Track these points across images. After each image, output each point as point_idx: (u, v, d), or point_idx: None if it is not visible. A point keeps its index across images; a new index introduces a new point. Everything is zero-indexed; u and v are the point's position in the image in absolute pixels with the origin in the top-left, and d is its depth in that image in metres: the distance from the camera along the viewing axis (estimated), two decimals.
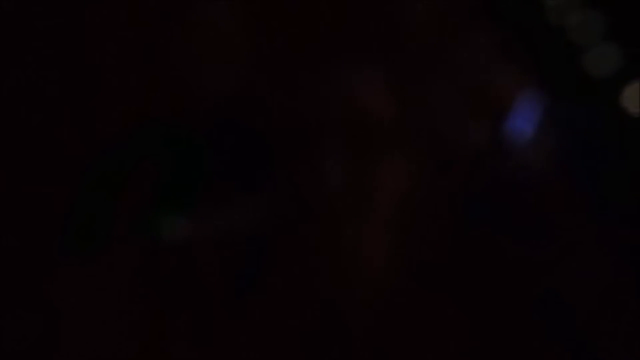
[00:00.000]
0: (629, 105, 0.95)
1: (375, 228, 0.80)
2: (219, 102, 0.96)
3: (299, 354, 0.81)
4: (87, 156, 0.91)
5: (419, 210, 0.83)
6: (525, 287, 0.83)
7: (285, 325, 0.80)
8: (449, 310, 0.80)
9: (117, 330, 0.83)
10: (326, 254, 0.81)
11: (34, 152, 0.93)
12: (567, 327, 0.85)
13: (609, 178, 1.09)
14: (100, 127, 0.93)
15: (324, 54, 0.84)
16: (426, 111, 0.85)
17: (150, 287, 0.85)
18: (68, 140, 0.92)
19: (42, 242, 0.90)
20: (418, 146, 0.83)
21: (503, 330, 0.80)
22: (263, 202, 0.86)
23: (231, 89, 0.98)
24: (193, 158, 0.92)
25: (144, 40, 0.96)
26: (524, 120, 1.13)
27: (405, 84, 0.83)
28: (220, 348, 0.81)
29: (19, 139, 0.93)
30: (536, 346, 0.81)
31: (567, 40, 1.22)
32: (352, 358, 0.80)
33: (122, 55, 0.95)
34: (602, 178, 1.10)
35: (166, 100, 0.95)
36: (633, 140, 0.98)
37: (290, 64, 0.88)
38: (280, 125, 0.82)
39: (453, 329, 0.80)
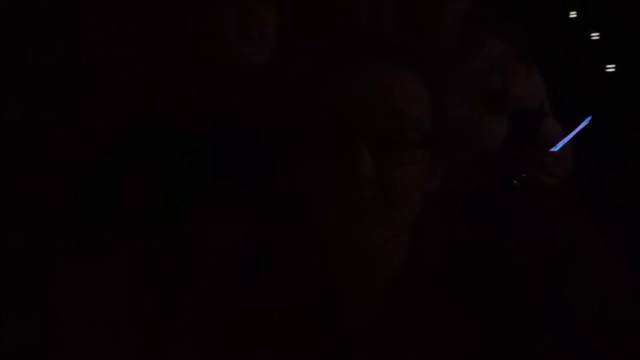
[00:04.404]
0: None
1: (389, 227, 0.79)
2: (219, 102, 0.96)
3: (299, 353, 0.81)
4: (87, 156, 0.92)
5: (424, 210, 0.82)
6: (526, 287, 0.83)
7: (285, 325, 0.80)
8: (449, 309, 0.80)
9: (117, 330, 0.83)
10: (326, 253, 0.81)
11: (33, 151, 0.93)
12: (568, 327, 0.85)
13: (609, 178, 1.09)
14: (100, 127, 0.94)
15: (330, 54, 0.84)
16: (438, 113, 0.85)
17: (150, 287, 0.85)
18: (67, 140, 0.92)
19: (42, 242, 0.91)
20: (430, 146, 0.82)
21: (503, 330, 0.80)
22: (263, 202, 0.86)
23: (231, 90, 0.98)
24: (193, 158, 0.92)
25: (144, 40, 0.96)
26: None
27: (419, 86, 0.83)
28: (219, 347, 0.81)
29: (19, 138, 0.94)
30: (536, 346, 0.81)
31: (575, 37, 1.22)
32: (352, 355, 0.80)
33: (122, 55, 0.95)
34: (602, 178, 1.10)
35: (166, 100, 0.95)
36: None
37: (291, 64, 0.88)
38: (280, 125, 0.82)
39: (453, 329, 0.80)
